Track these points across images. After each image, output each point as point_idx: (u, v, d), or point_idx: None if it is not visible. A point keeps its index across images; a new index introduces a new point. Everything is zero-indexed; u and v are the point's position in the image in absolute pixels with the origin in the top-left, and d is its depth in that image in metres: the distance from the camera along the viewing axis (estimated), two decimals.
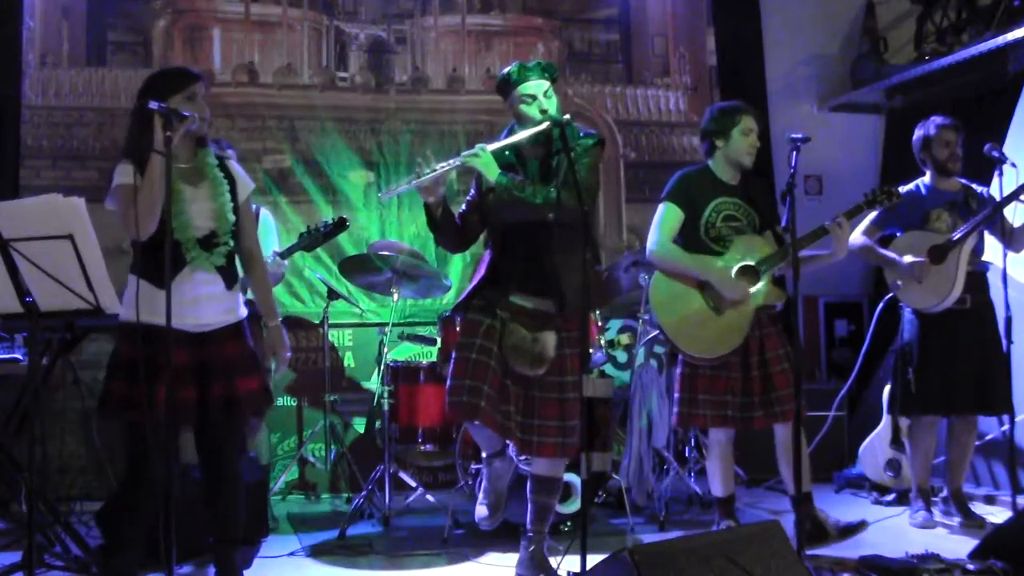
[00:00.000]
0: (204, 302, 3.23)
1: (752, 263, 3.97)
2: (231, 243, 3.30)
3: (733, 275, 3.96)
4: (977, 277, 4.46)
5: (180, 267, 3.17)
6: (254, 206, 4.84)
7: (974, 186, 4.57)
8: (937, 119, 4.55)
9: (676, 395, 4.13)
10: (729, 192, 4.08)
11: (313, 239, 4.49)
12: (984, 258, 4.55)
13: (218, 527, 3.36)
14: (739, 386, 3.99)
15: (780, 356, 4.00)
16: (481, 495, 3.78)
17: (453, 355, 3.53)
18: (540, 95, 3.49)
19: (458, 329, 3.74)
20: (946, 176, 4.48)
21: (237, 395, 3.28)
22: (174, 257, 3.07)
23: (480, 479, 3.85)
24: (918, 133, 4.59)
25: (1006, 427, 4.73)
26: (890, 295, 4.71)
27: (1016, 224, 4.44)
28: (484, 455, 3.76)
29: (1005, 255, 4.41)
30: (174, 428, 3.12)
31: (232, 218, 3.28)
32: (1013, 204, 4.33)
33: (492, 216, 3.59)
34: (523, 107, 3.51)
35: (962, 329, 4.42)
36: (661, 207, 4.11)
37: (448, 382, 3.50)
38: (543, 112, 3.46)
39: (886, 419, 5.15)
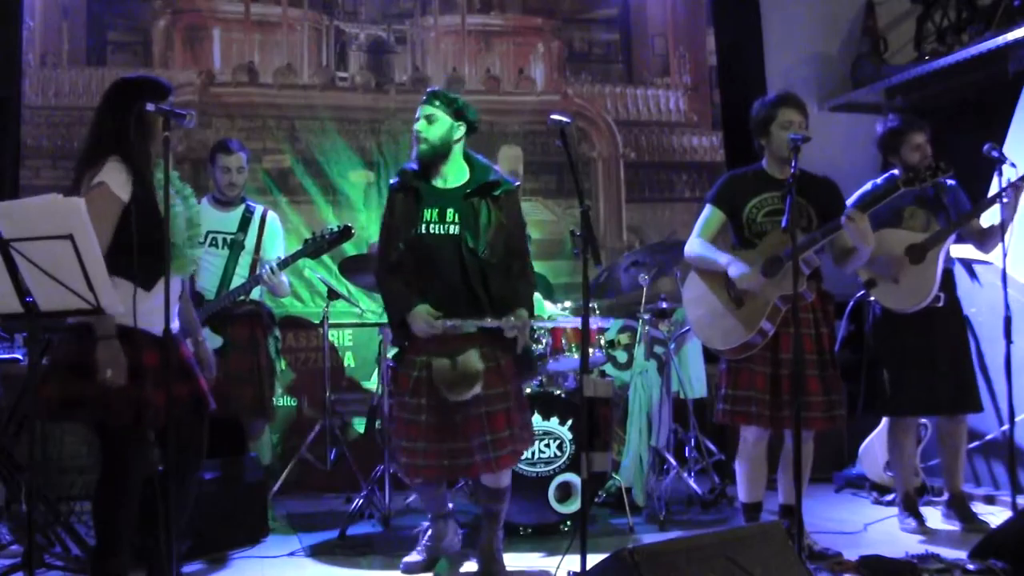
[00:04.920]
0: (174, 305, 3.28)
1: (778, 255, 3.87)
2: (200, 248, 3.42)
3: (760, 268, 3.86)
4: (946, 274, 4.43)
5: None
6: (262, 208, 4.86)
7: (941, 180, 4.52)
8: (896, 122, 4.46)
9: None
10: (778, 187, 3.94)
11: (317, 247, 4.48)
12: (981, 257, 4.53)
13: (168, 528, 3.17)
14: (764, 383, 3.88)
15: (814, 360, 3.87)
16: (420, 546, 3.91)
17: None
18: (421, 116, 3.68)
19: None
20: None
21: (201, 393, 3.37)
22: (162, 260, 3.10)
23: (424, 532, 3.96)
24: (879, 131, 4.50)
25: (1006, 427, 4.72)
26: (860, 293, 4.68)
27: (985, 225, 4.41)
28: (430, 515, 3.90)
29: (1005, 255, 4.39)
30: (175, 430, 3.13)
31: (201, 225, 3.42)
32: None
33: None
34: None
35: (935, 327, 4.39)
36: (704, 209, 4.10)
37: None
38: (416, 132, 3.68)
39: (886, 419, 5.14)
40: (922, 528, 4.42)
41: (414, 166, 3.72)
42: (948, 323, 4.44)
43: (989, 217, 4.41)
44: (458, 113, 3.66)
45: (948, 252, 4.42)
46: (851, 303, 5.00)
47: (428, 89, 3.72)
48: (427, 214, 3.63)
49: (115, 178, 3.15)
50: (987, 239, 4.40)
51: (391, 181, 3.77)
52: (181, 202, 3.36)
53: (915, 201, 4.40)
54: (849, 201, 3.98)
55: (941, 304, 4.38)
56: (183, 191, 3.40)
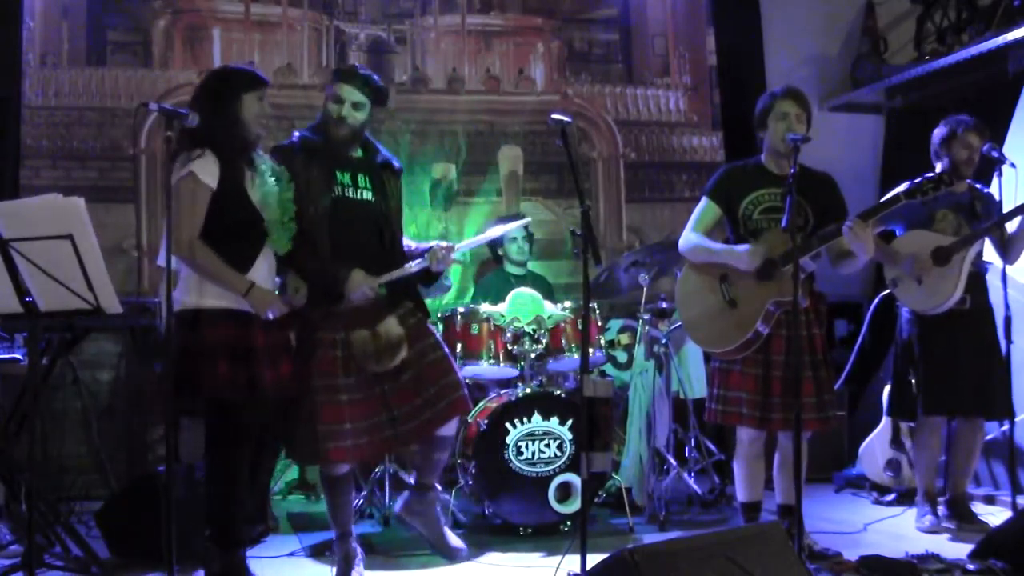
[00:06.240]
0: (270, 282, 3.46)
1: (773, 258, 3.83)
2: (293, 228, 3.45)
3: (754, 270, 3.84)
4: (976, 278, 4.44)
5: (260, 248, 3.37)
6: None
7: (979, 187, 4.54)
8: (965, 119, 4.48)
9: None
10: (775, 183, 3.92)
11: None
12: (983, 258, 4.53)
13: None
14: (755, 384, 3.87)
15: (806, 362, 3.84)
16: None
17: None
18: (348, 101, 3.57)
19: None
20: (957, 177, 4.40)
21: (297, 374, 3.46)
22: (254, 237, 3.34)
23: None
24: (942, 129, 4.51)
25: (1006, 427, 4.72)
26: (885, 292, 4.68)
27: (1010, 230, 4.39)
28: (335, 534, 3.68)
29: (1005, 256, 4.39)
30: (176, 426, 3.16)
31: (292, 208, 3.45)
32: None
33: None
34: (332, 104, 3.59)
35: (962, 330, 4.39)
36: (700, 202, 4.09)
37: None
38: (341, 118, 3.57)
39: (886, 419, 5.14)
40: (939, 527, 4.43)
41: (311, 136, 3.63)
42: (974, 326, 4.42)
43: (1010, 227, 4.38)
44: (378, 97, 3.62)
45: (979, 256, 4.43)
46: (874, 302, 4.98)
47: (354, 71, 3.61)
48: (340, 177, 3.59)
49: (203, 167, 3.24)
50: (1010, 248, 4.37)
51: (287, 142, 3.65)
52: (275, 183, 3.43)
53: (949, 205, 4.41)
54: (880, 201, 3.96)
55: (967, 306, 4.36)
56: (277, 173, 3.47)
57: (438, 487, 3.81)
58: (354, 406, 3.51)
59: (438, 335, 3.74)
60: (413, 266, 3.60)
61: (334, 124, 3.56)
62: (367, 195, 3.62)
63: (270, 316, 3.31)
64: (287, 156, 3.55)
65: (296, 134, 3.66)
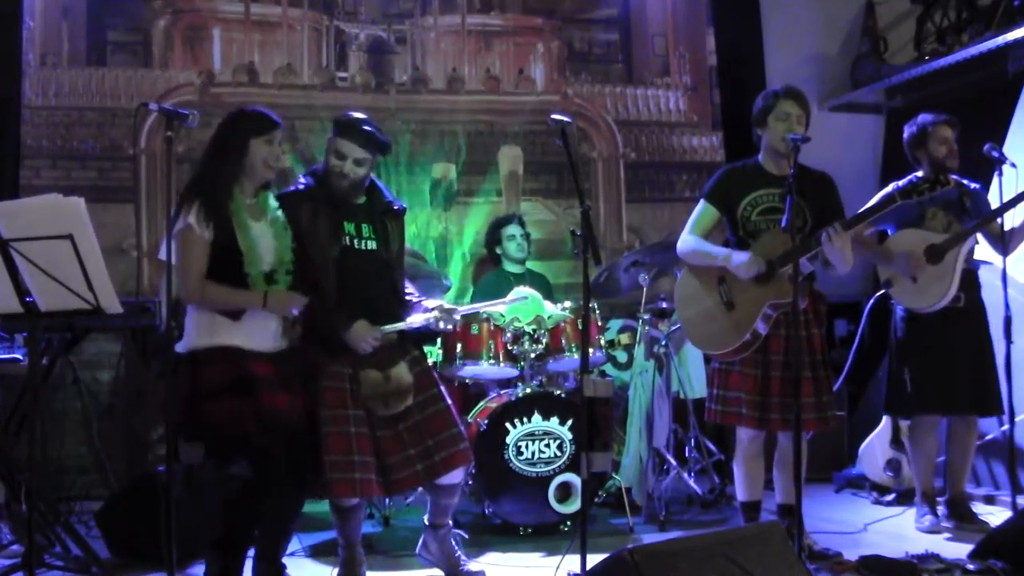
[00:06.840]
0: (273, 327, 3.38)
1: (771, 259, 3.82)
2: (288, 280, 3.42)
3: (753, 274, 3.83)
4: (970, 275, 4.45)
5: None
6: None
7: (966, 182, 4.54)
8: (928, 116, 4.48)
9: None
10: (773, 184, 3.92)
11: None
12: (978, 257, 4.53)
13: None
14: (754, 384, 3.87)
15: (806, 362, 3.83)
16: None
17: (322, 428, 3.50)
18: (350, 158, 3.59)
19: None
20: (944, 173, 4.41)
21: (307, 404, 3.43)
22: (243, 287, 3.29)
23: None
24: (910, 130, 4.52)
25: (1006, 427, 4.72)
26: (881, 291, 4.69)
27: (1006, 228, 4.40)
28: (341, 545, 3.67)
29: (1005, 255, 4.39)
30: (175, 430, 3.14)
31: (290, 256, 3.43)
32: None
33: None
34: (334, 160, 3.59)
35: (956, 327, 4.39)
36: (698, 204, 4.08)
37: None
38: (343, 174, 3.58)
39: (886, 419, 5.14)
40: (939, 527, 4.43)
41: (317, 185, 3.64)
42: (968, 324, 4.42)
43: (1010, 220, 4.37)
44: (382, 150, 3.66)
45: (971, 253, 4.42)
46: (870, 302, 4.99)
47: (356, 127, 3.60)
48: (347, 227, 3.61)
49: (199, 220, 3.23)
50: (1007, 242, 4.35)
51: (293, 188, 3.65)
52: (268, 229, 3.40)
53: (939, 203, 4.40)
54: (870, 203, 3.96)
55: (962, 304, 4.37)
56: (273, 216, 3.44)
57: (450, 523, 3.77)
58: (361, 439, 3.48)
59: (442, 387, 3.71)
60: (417, 322, 3.62)
61: (336, 177, 3.59)
62: (371, 244, 3.63)
63: (294, 313, 3.33)
64: (295, 204, 3.57)
65: (302, 181, 3.67)
